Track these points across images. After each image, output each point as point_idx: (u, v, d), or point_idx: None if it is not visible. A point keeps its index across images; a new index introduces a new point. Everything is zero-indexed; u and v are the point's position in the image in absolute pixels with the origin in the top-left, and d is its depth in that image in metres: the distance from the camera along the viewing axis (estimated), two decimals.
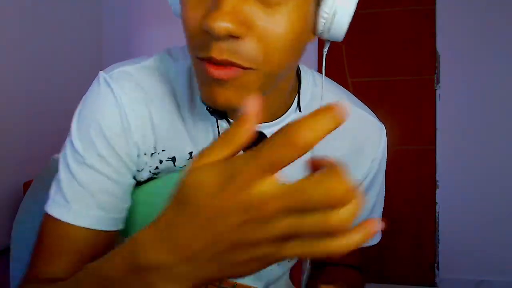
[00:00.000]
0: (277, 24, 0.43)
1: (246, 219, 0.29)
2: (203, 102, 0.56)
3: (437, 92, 2.22)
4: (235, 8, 0.41)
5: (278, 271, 0.71)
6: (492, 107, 2.17)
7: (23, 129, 1.77)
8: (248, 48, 0.44)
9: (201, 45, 0.45)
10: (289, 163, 0.29)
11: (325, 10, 0.48)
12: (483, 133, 2.18)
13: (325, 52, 0.56)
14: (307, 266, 0.68)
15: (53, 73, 1.97)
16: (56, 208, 0.55)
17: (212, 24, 0.40)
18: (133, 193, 0.65)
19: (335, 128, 0.29)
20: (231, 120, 0.58)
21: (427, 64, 2.22)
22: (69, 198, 0.54)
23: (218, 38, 0.42)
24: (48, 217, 0.55)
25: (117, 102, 0.56)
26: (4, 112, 1.67)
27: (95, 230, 0.54)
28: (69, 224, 0.53)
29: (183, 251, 0.31)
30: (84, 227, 0.53)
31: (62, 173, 0.56)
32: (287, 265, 0.72)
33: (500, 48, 2.15)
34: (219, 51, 0.43)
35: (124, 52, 2.42)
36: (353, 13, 0.49)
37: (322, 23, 0.49)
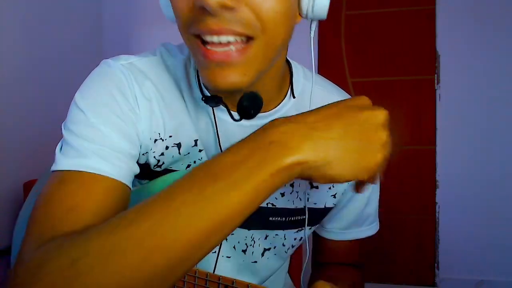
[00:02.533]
0: None
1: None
2: (202, 86, 0.56)
3: (437, 92, 2.22)
4: None
5: (274, 265, 0.72)
6: (492, 107, 2.17)
7: (23, 129, 1.77)
8: (244, 16, 0.45)
9: (195, 20, 0.46)
10: None
11: None
12: (483, 133, 2.18)
13: (312, 34, 0.57)
14: (305, 263, 0.68)
15: (53, 73, 1.97)
16: (67, 160, 0.49)
17: None
18: (136, 191, 0.65)
19: None
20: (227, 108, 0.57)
21: (427, 64, 2.23)
22: (81, 150, 0.49)
23: (212, 10, 0.43)
24: (57, 174, 0.49)
25: (127, 81, 0.56)
26: (4, 112, 1.67)
27: (114, 179, 0.49)
28: (86, 172, 0.48)
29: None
30: (102, 175, 0.48)
31: (68, 136, 0.52)
32: (282, 259, 0.73)
33: (500, 48, 2.15)
34: (216, 22, 0.44)
35: (124, 52, 2.39)
36: None
37: (305, 3, 0.51)
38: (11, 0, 1.72)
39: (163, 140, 0.61)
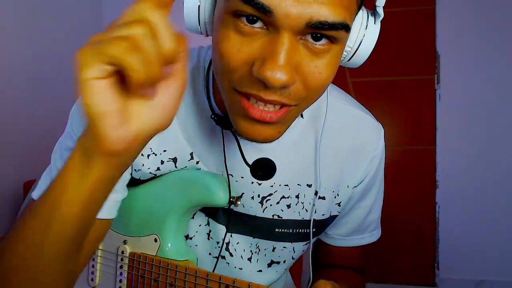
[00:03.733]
0: (321, 70, 0.46)
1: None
2: (217, 114, 0.57)
3: (437, 92, 2.22)
4: (289, 58, 0.43)
5: (280, 273, 0.72)
6: (492, 107, 2.17)
7: (23, 129, 1.77)
8: (295, 90, 0.46)
9: (244, 82, 0.46)
10: None
11: (349, 44, 0.52)
12: (483, 133, 2.18)
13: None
14: (308, 265, 0.68)
15: (54, 73, 1.97)
16: (40, 191, 0.55)
17: (269, 76, 0.42)
18: (132, 192, 0.65)
19: None
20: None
21: (427, 64, 2.22)
22: None
23: (273, 88, 0.44)
24: (31, 203, 0.55)
25: None
26: (4, 112, 1.67)
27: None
28: None
29: None
30: None
31: (57, 159, 0.59)
32: (287, 268, 0.73)
33: (500, 48, 2.14)
34: (269, 94, 0.45)
35: None
36: (373, 49, 0.53)
37: (344, 55, 0.53)
38: (11, 0, 1.72)
39: (156, 155, 0.61)
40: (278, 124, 0.49)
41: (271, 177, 0.60)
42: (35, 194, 0.60)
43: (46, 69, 1.93)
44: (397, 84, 2.26)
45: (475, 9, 2.16)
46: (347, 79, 2.27)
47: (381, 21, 0.53)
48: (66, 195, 0.39)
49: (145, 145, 0.39)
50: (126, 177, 0.62)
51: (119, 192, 0.60)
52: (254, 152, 0.61)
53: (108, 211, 0.58)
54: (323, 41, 0.45)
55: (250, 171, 0.59)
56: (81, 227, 0.42)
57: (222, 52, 0.46)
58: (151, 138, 0.39)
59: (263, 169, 0.59)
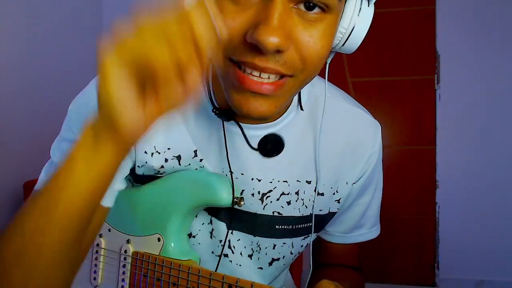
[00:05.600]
0: (315, 39, 0.47)
1: None
2: (217, 107, 0.57)
3: (437, 92, 2.22)
4: (282, 22, 0.44)
5: (280, 271, 0.72)
6: (492, 107, 2.17)
7: (23, 129, 1.76)
8: (290, 58, 0.46)
9: (239, 50, 0.46)
10: None
11: (343, 26, 0.52)
12: (483, 133, 2.18)
13: (328, 61, 0.58)
14: (309, 263, 0.68)
15: (53, 73, 1.97)
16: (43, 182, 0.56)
17: (262, 39, 0.43)
18: (136, 191, 0.65)
19: None
20: (240, 123, 0.59)
21: (427, 64, 2.23)
22: None
23: (267, 52, 0.44)
24: (33, 193, 0.55)
25: None
26: (4, 112, 1.67)
27: None
28: None
29: None
30: None
31: (56, 154, 0.61)
32: (288, 265, 0.73)
33: (500, 48, 2.15)
34: (263, 60, 0.45)
35: None
36: (367, 31, 0.53)
37: (338, 37, 0.53)
38: (11, 0, 1.72)
39: (159, 153, 0.62)
40: (274, 98, 0.49)
41: (280, 151, 0.60)
42: (37, 186, 0.60)
43: (46, 69, 1.92)
44: (397, 84, 2.26)
45: (475, 9, 2.16)
46: (347, 79, 2.27)
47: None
48: (73, 179, 0.40)
49: (150, 129, 0.40)
50: (125, 169, 0.62)
51: (118, 181, 0.61)
52: (256, 142, 0.62)
53: (109, 198, 0.59)
54: (316, 9, 0.46)
55: (259, 146, 0.59)
56: (87, 212, 0.43)
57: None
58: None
59: (272, 143, 0.59)
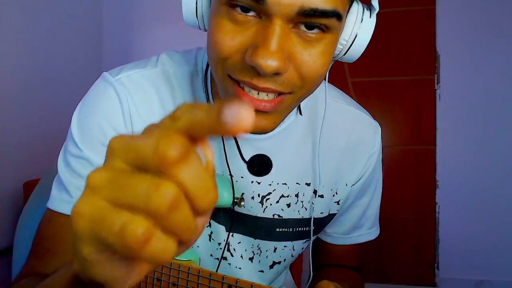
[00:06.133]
0: (314, 58, 0.47)
1: None
2: (212, 102, 0.57)
3: (437, 92, 2.22)
4: (281, 45, 0.44)
5: (280, 273, 0.72)
6: (492, 107, 2.17)
7: (23, 129, 1.76)
8: (289, 78, 0.47)
9: (238, 70, 0.46)
10: None
11: (344, 38, 0.52)
12: (483, 133, 2.18)
13: (328, 69, 0.58)
14: (308, 263, 0.68)
15: (53, 73, 1.97)
16: (59, 203, 0.55)
17: (261, 63, 0.43)
18: None
19: None
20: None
21: (427, 64, 2.23)
22: (72, 193, 0.55)
23: (265, 75, 0.44)
24: (49, 213, 0.56)
25: (121, 105, 0.57)
26: (4, 112, 1.67)
27: None
28: (68, 216, 0.54)
29: None
30: None
31: (63, 169, 0.58)
32: (288, 267, 0.73)
33: (500, 48, 2.15)
34: (262, 81, 0.46)
35: (124, 52, 2.41)
36: (368, 42, 0.53)
37: (339, 48, 0.53)
38: (11, 0, 1.72)
39: None
40: (273, 114, 0.49)
41: (268, 172, 0.60)
42: (49, 203, 0.58)
43: (46, 69, 1.92)
44: (397, 84, 2.26)
45: (475, 9, 2.16)
46: (347, 79, 2.27)
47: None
48: None
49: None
50: None
51: None
52: (251, 150, 0.62)
53: None
54: (316, 30, 0.46)
55: (247, 167, 0.59)
56: None
57: (216, 40, 0.47)
58: None
59: (259, 165, 0.59)
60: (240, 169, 0.62)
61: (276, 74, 0.45)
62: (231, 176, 0.61)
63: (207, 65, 0.61)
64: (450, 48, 2.19)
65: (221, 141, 0.61)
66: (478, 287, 2.19)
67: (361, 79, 2.27)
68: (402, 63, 2.24)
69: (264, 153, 0.61)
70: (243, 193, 0.63)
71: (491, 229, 2.17)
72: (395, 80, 2.26)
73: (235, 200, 0.60)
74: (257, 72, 0.44)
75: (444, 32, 2.19)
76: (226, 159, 0.61)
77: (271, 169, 0.59)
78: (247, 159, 0.59)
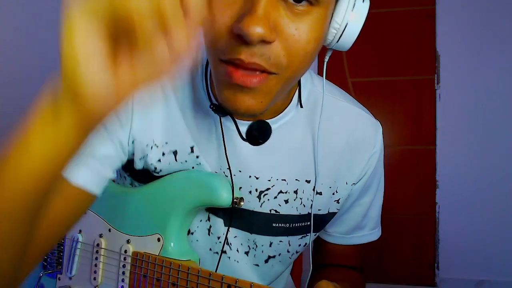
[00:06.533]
0: (302, 33, 0.46)
1: None
2: (214, 103, 0.57)
3: (437, 92, 2.22)
4: (267, 13, 0.44)
5: (278, 270, 0.72)
6: (492, 107, 2.17)
7: None
8: (276, 53, 0.46)
9: (228, 47, 0.46)
10: None
11: (337, 21, 0.51)
12: (483, 133, 2.18)
13: (326, 60, 0.58)
14: (308, 263, 0.68)
15: (53, 73, 1.97)
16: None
17: (246, 29, 0.42)
18: (136, 191, 0.65)
19: None
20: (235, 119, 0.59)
21: (427, 64, 2.23)
22: None
23: (251, 42, 0.44)
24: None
25: None
26: (4, 112, 1.67)
27: (74, 187, 0.55)
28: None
29: None
30: (72, 184, 0.55)
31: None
32: (286, 264, 0.73)
33: (500, 48, 2.15)
34: (249, 54, 0.45)
35: None
36: (362, 26, 0.52)
37: (332, 33, 0.52)
38: (11, 1, 1.72)
39: (157, 147, 0.62)
40: (260, 94, 0.49)
41: (267, 138, 0.58)
42: None
43: (46, 69, 1.92)
44: (397, 84, 2.26)
45: (475, 9, 2.16)
46: (347, 79, 2.27)
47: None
48: (26, 159, 0.35)
49: (123, 103, 0.33)
50: (115, 161, 0.61)
51: (107, 169, 0.60)
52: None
53: (94, 182, 0.57)
54: (304, 2, 0.46)
55: (246, 136, 0.58)
56: (36, 196, 0.37)
57: (207, 22, 0.47)
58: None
59: (258, 130, 0.58)
60: (238, 162, 0.62)
61: (262, 42, 0.45)
62: (230, 169, 0.61)
63: (207, 62, 0.61)
64: (450, 48, 2.19)
65: (220, 134, 0.61)
66: (478, 287, 2.19)
67: (361, 79, 2.27)
68: (402, 63, 2.24)
69: (264, 150, 0.61)
70: (240, 187, 0.64)
71: (491, 229, 2.17)
72: (395, 80, 2.26)
73: (235, 200, 0.60)
74: (244, 42, 0.44)
75: (444, 32, 2.19)
76: (225, 150, 0.61)
77: (270, 135, 0.58)
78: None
